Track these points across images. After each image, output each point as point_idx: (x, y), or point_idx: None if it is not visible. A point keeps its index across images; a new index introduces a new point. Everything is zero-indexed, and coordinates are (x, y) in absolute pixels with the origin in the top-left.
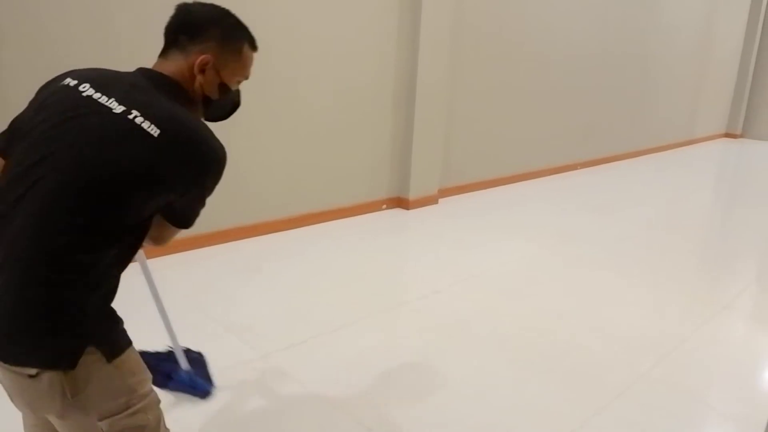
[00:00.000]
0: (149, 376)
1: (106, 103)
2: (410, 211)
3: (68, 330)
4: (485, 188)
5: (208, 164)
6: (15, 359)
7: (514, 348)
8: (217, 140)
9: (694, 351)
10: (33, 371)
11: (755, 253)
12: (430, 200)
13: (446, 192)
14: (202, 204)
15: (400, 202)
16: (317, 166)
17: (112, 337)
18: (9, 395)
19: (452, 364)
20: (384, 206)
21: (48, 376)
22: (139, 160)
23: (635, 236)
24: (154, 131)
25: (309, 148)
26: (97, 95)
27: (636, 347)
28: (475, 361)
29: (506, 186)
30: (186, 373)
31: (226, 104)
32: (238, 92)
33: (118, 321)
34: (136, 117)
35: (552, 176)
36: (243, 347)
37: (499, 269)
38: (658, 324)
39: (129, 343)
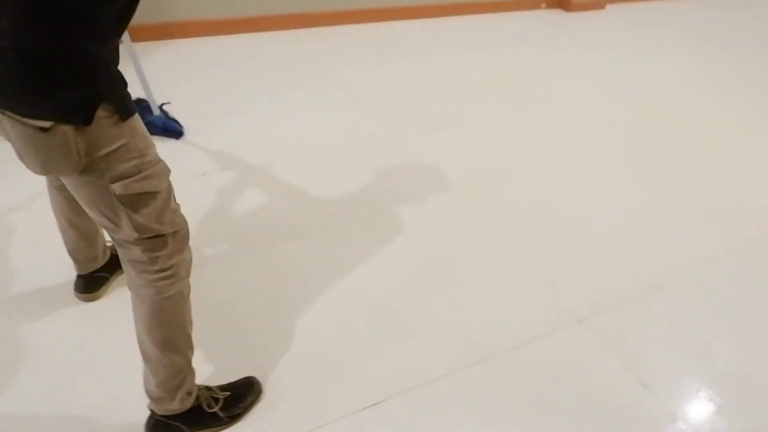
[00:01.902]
0: (154, 145)
1: None
2: (571, 14)
3: (82, 82)
4: None
5: None
6: (29, 110)
7: (659, 177)
8: None
9: None
10: (47, 124)
11: None
12: (596, 4)
13: None
14: None
15: (561, 3)
16: None
17: (124, 97)
18: (19, 155)
19: (582, 179)
20: (543, 5)
21: (62, 130)
22: None
23: None
24: None
25: None
26: None
27: None
28: (610, 183)
29: None
30: (158, 118)
31: None
32: None
33: (126, 84)
34: None
35: None
36: (372, 122)
37: (663, 90)
38: None
39: (135, 109)
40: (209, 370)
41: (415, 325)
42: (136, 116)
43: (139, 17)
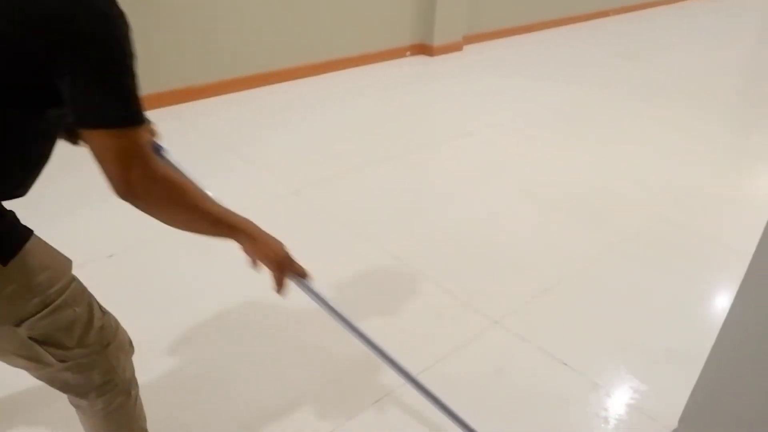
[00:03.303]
0: (66, 264)
1: None
2: (434, 58)
3: None
4: (513, 35)
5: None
6: None
7: (539, 191)
8: None
9: (716, 197)
10: None
11: None
12: (455, 47)
13: (472, 39)
14: (120, 88)
15: (423, 49)
16: (338, 11)
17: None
18: None
19: (476, 203)
20: (408, 53)
21: None
22: None
23: (669, 84)
24: None
25: None
26: None
27: (659, 192)
28: (501, 202)
29: (535, 33)
30: None
31: None
32: None
33: (3, 218)
34: None
35: (582, 23)
36: (275, 183)
37: (526, 116)
38: (685, 171)
39: (25, 237)
40: None
41: (339, 360)
42: (29, 245)
43: None
